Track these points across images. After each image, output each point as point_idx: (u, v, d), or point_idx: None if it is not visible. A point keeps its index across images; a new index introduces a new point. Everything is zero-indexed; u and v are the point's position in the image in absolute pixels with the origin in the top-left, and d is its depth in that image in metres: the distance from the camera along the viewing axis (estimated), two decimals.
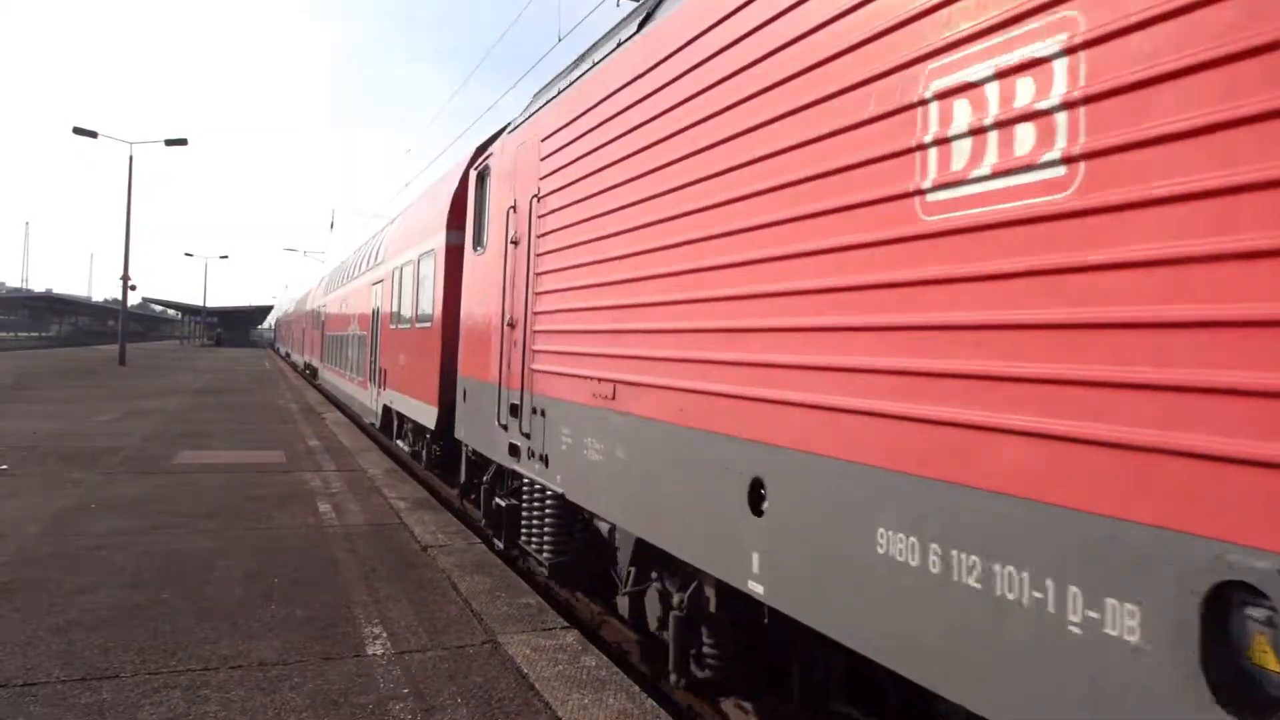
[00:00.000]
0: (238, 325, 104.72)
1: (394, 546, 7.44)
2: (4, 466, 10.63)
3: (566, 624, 5.54)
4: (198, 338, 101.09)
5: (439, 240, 11.52)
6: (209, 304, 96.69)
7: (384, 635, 5.17)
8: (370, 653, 4.88)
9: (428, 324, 11.94)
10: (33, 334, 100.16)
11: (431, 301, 11.79)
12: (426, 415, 11.55)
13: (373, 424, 17.42)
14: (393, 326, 15.03)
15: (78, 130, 34.54)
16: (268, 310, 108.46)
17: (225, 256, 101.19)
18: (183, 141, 36.86)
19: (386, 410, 15.57)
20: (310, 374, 36.61)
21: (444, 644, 5.07)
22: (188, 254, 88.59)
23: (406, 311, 13.81)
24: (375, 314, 17.23)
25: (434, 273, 11.77)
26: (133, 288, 40.89)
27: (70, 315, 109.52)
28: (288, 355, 58.13)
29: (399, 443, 14.87)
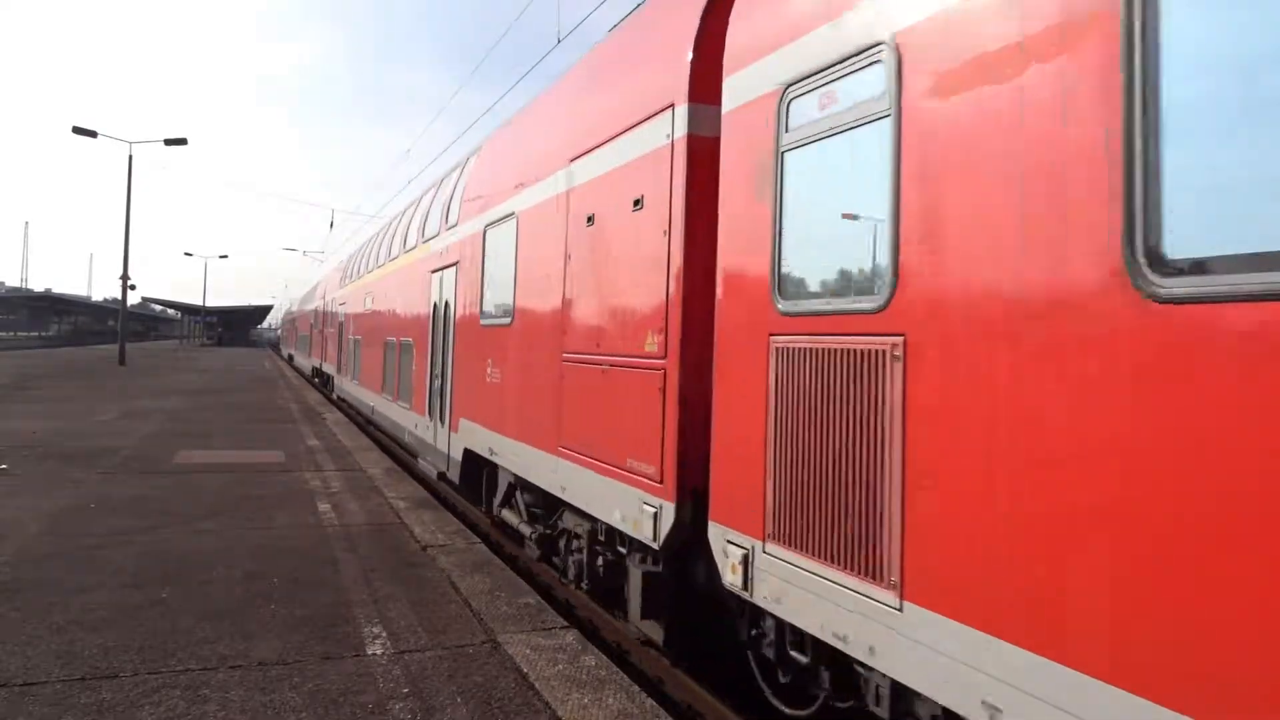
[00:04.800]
0: (237, 325, 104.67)
1: (394, 546, 7.44)
2: (3, 466, 10.63)
3: (566, 624, 5.54)
4: (197, 337, 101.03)
5: None
6: (209, 304, 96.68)
7: (384, 635, 5.18)
8: (370, 652, 4.88)
9: None
10: (32, 334, 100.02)
11: None
12: None
13: None
14: None
15: (77, 130, 34.52)
16: (267, 310, 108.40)
17: (225, 256, 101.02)
18: (182, 141, 36.83)
19: None
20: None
21: (444, 644, 5.08)
22: (187, 254, 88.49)
23: None
24: None
25: None
26: (132, 287, 40.89)
27: (70, 315, 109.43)
28: (323, 377, 29.98)
29: None
